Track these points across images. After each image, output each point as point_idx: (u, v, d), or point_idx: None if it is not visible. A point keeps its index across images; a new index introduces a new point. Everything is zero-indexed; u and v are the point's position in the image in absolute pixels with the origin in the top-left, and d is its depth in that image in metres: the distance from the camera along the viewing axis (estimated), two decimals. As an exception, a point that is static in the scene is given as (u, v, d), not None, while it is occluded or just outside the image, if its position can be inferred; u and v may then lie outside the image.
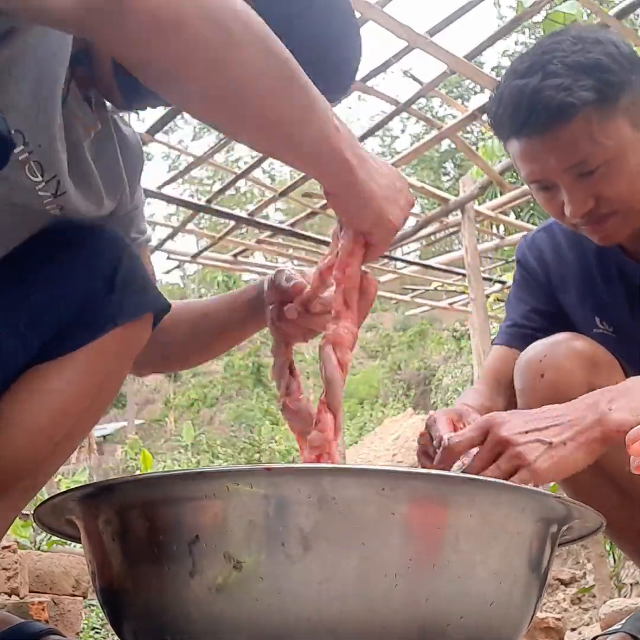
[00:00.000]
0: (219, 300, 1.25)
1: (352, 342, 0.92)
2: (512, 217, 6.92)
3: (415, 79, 4.34)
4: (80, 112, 0.98)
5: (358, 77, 4.40)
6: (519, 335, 1.41)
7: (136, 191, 1.19)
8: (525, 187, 5.33)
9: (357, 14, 3.49)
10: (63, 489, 2.09)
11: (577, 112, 1.14)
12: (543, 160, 1.19)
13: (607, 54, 1.15)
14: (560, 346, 1.25)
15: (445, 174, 24.16)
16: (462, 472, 0.93)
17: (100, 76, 0.98)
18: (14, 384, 0.97)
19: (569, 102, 1.13)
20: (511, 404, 1.31)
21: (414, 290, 8.41)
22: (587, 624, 3.60)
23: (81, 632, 2.45)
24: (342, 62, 1.03)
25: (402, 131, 26.76)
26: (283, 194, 5.52)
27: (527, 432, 0.91)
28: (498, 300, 7.85)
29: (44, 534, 3.22)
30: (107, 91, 1.01)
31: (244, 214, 5.82)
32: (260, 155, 5.18)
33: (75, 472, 6.87)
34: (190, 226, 6.16)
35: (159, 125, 4.32)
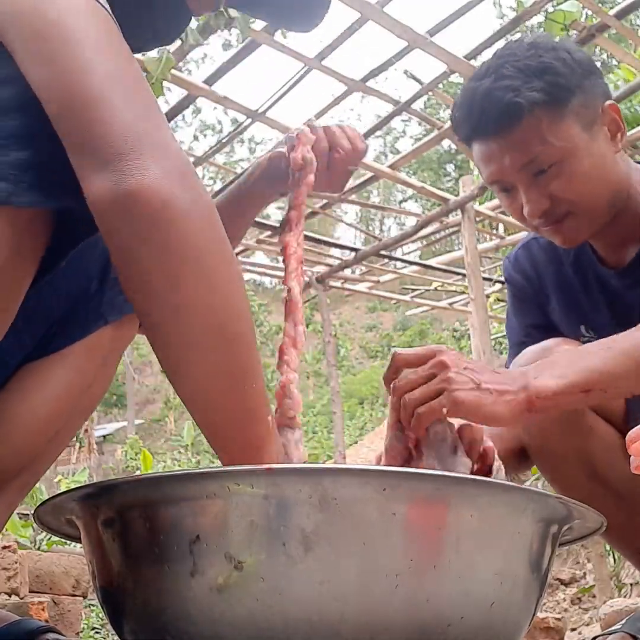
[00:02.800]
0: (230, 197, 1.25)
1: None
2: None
3: (415, 79, 4.34)
4: None
5: (359, 76, 4.34)
6: None
7: None
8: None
9: (357, 14, 3.50)
10: (63, 489, 2.09)
11: (526, 112, 1.18)
12: (499, 160, 1.23)
13: (558, 59, 1.20)
14: (550, 352, 1.26)
15: (445, 175, 24.16)
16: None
17: None
18: (8, 382, 0.98)
19: (517, 102, 1.17)
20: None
21: (414, 290, 8.41)
22: (587, 624, 3.60)
23: (81, 632, 2.45)
24: None
25: (403, 131, 26.76)
26: (283, 194, 5.52)
27: (465, 369, 0.95)
28: (498, 300, 7.85)
29: (44, 534, 3.22)
30: None
31: (244, 214, 5.80)
32: (260, 155, 5.17)
33: (75, 472, 6.86)
34: (190, 226, 6.14)
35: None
